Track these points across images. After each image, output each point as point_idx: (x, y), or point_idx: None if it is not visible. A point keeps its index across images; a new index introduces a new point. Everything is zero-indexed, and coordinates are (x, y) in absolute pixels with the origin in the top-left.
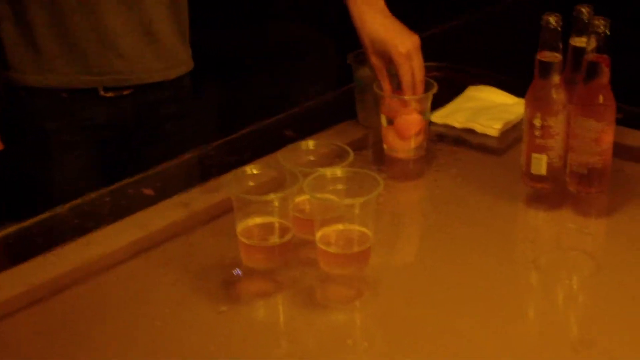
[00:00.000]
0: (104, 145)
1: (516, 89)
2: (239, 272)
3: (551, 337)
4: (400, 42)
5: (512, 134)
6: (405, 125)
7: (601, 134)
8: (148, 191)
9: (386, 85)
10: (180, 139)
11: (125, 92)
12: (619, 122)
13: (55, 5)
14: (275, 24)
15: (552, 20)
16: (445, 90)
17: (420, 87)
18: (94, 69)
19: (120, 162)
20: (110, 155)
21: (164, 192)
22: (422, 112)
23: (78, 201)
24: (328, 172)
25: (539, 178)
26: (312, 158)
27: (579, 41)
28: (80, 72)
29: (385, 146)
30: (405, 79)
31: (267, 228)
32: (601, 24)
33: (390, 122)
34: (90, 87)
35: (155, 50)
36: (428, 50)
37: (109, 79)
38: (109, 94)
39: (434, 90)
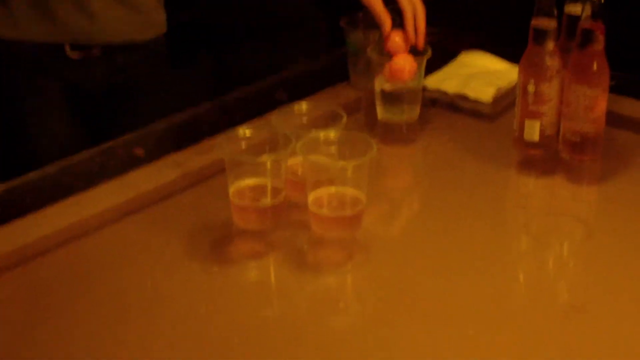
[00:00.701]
0: (78, 107)
1: (510, 55)
2: None
3: (542, 302)
4: None
5: (505, 100)
6: (401, 64)
7: (594, 101)
8: (139, 151)
9: (387, 20)
10: (153, 103)
11: (93, 52)
12: (612, 89)
13: None
14: None
15: None
16: (439, 55)
17: (421, 23)
18: (60, 26)
19: (96, 124)
20: (87, 117)
21: (155, 153)
22: (416, 76)
23: (68, 161)
24: (321, 134)
25: (532, 144)
26: (305, 120)
27: (573, 8)
28: (47, 28)
29: (378, 109)
30: (407, 9)
31: (259, 189)
32: None
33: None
34: (58, 44)
35: (127, 11)
36: None
37: (76, 37)
38: (76, 53)
39: (428, 55)
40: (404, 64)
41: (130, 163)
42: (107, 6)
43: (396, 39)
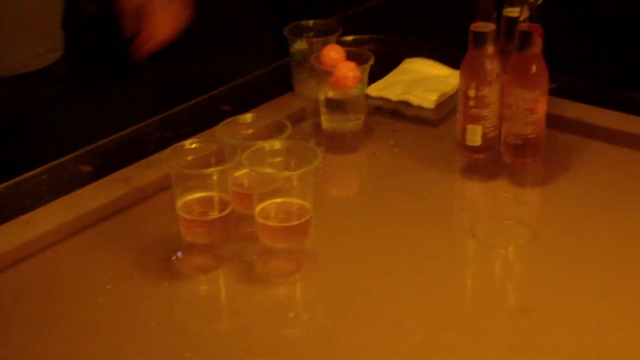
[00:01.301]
0: None
1: (451, 60)
2: (179, 255)
3: (489, 305)
4: None
5: (448, 105)
6: (344, 71)
7: (535, 104)
8: (87, 168)
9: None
10: (55, 125)
11: None
12: (553, 92)
13: None
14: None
15: None
16: (381, 63)
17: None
18: None
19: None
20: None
21: (103, 169)
22: (360, 83)
23: (16, 179)
24: (266, 145)
25: (475, 148)
26: (250, 132)
27: (511, 11)
28: None
29: (322, 118)
30: None
31: (207, 202)
32: None
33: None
34: None
35: (24, 40)
36: (364, 23)
37: None
38: None
39: (371, 61)
40: (347, 71)
41: (78, 180)
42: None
43: (331, 53)
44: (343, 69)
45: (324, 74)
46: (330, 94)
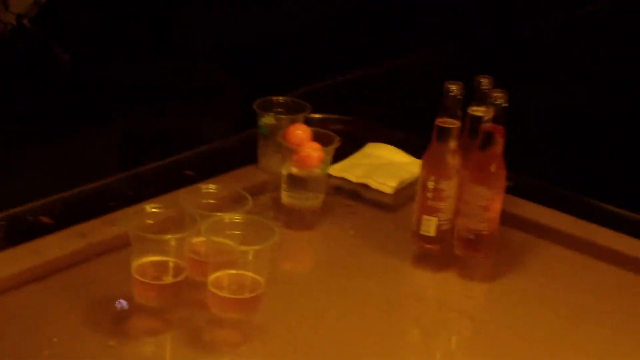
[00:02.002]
0: None
1: (414, 148)
2: (123, 303)
3: None
4: None
5: (406, 192)
6: (309, 151)
7: (491, 202)
8: (46, 219)
9: None
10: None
11: None
12: (509, 190)
13: None
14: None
15: (453, 88)
16: (345, 144)
17: None
18: None
19: None
20: None
21: (62, 221)
22: (323, 164)
23: None
24: (226, 217)
25: (428, 239)
26: (211, 201)
27: (477, 110)
28: None
29: (282, 194)
30: None
31: (162, 266)
32: (499, 96)
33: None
34: None
35: None
36: (331, 102)
37: None
38: None
39: (336, 144)
40: (312, 151)
41: (37, 230)
42: None
43: (297, 132)
44: (308, 149)
45: (289, 152)
46: (293, 170)
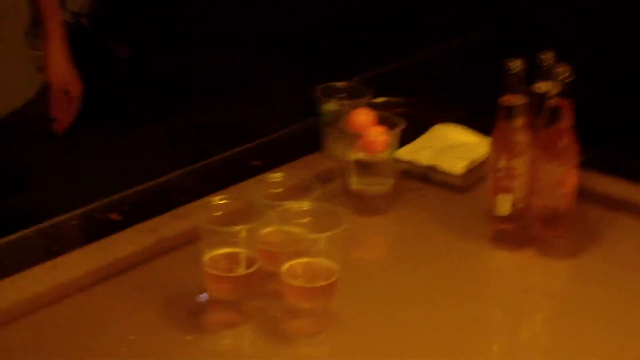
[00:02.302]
0: None
1: (482, 127)
2: (204, 297)
3: None
4: None
5: (477, 173)
6: (374, 135)
7: (565, 178)
8: (115, 216)
9: None
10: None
11: None
12: (583, 164)
13: None
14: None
15: (514, 66)
16: (411, 126)
17: None
18: None
19: None
20: None
21: (131, 218)
22: (390, 148)
23: (45, 224)
24: (295, 205)
25: (503, 219)
26: (279, 190)
27: (542, 86)
28: None
29: (351, 179)
30: None
31: (233, 258)
32: (564, 71)
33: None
34: None
35: None
36: (395, 85)
37: None
38: None
39: (402, 127)
40: (377, 135)
41: (106, 228)
42: None
43: (361, 117)
44: (373, 133)
45: (353, 137)
46: (360, 156)
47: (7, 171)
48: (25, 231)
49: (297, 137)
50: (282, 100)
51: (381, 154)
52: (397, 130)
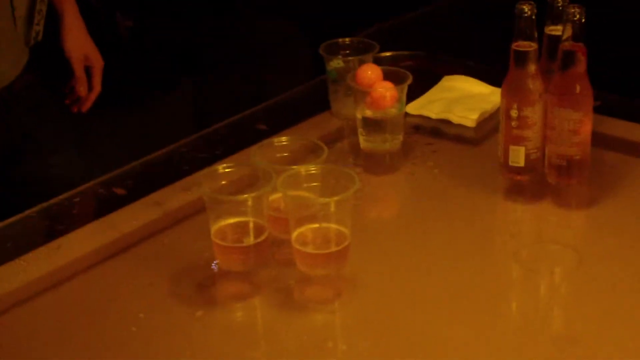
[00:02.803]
0: None
1: (492, 78)
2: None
3: (533, 332)
4: None
5: (489, 124)
6: (382, 91)
7: (579, 124)
8: (120, 191)
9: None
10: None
11: None
12: (597, 110)
13: None
14: (246, 17)
15: (526, 8)
16: (420, 80)
17: None
18: None
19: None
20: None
21: (136, 191)
22: (398, 103)
23: (47, 203)
24: (302, 169)
25: (517, 170)
26: (285, 154)
27: (554, 29)
28: None
29: (360, 138)
30: None
31: (242, 228)
32: (576, 12)
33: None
34: None
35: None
36: (401, 38)
37: None
38: None
39: (409, 81)
40: (384, 91)
41: (111, 204)
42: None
43: (368, 73)
44: (380, 89)
45: (361, 94)
46: (368, 113)
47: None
48: (28, 212)
49: (304, 98)
50: (287, 61)
51: (390, 110)
52: (405, 85)
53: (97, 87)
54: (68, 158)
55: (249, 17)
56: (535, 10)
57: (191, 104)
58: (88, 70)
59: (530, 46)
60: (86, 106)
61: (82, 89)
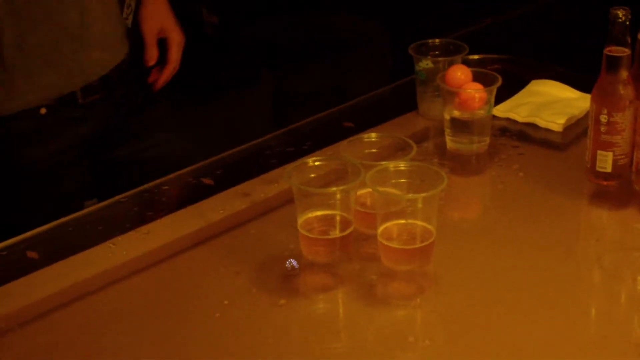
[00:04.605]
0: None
1: (580, 84)
2: (294, 263)
3: (614, 338)
4: None
5: (576, 129)
6: (471, 93)
7: None
8: (207, 180)
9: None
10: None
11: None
12: None
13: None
14: (331, 15)
15: (621, 14)
16: (507, 83)
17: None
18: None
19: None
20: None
21: (224, 182)
22: (486, 105)
23: (137, 189)
24: (391, 165)
25: (604, 175)
26: (374, 150)
27: None
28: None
29: (447, 139)
30: None
31: (328, 221)
32: None
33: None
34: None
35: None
36: (491, 42)
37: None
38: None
39: (498, 83)
40: (474, 92)
41: (199, 193)
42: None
43: (457, 74)
44: (469, 90)
45: (450, 95)
46: (456, 114)
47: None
48: (119, 197)
49: (391, 97)
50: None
51: (478, 112)
52: (494, 87)
53: (173, 62)
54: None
55: (331, 14)
56: (629, 16)
57: (271, 98)
58: (163, 44)
59: (623, 51)
60: (161, 80)
61: (149, 59)
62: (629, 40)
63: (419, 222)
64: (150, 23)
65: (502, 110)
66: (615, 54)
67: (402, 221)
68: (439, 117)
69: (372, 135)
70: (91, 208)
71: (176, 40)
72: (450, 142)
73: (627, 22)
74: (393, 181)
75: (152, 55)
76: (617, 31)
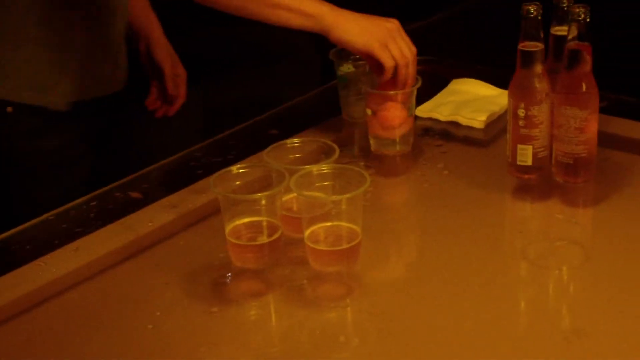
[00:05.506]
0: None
1: (499, 80)
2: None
3: (542, 328)
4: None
5: (497, 125)
6: (389, 117)
7: (585, 123)
8: (135, 194)
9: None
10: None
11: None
12: (603, 110)
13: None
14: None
15: (532, 9)
16: (429, 84)
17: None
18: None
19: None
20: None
21: (151, 195)
22: (407, 107)
23: (65, 207)
24: (314, 168)
25: (525, 169)
26: (298, 155)
27: (559, 29)
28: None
29: (371, 141)
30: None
31: (256, 227)
32: (581, 12)
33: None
34: None
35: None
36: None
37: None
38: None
39: (418, 84)
40: (393, 113)
41: (127, 207)
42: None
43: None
44: (388, 112)
45: (369, 118)
46: (380, 134)
47: None
48: (46, 215)
49: (316, 103)
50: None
51: (399, 131)
52: (415, 87)
53: (184, 96)
54: None
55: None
56: (540, 11)
57: (201, 111)
58: (174, 80)
59: (536, 46)
60: (173, 110)
61: (172, 87)
62: (542, 34)
63: (345, 224)
64: (168, 61)
65: (425, 110)
66: (528, 49)
67: (328, 223)
68: (363, 119)
69: (295, 141)
70: (19, 227)
71: (184, 76)
72: (374, 144)
73: (539, 17)
74: (318, 184)
75: (173, 86)
76: (529, 26)
